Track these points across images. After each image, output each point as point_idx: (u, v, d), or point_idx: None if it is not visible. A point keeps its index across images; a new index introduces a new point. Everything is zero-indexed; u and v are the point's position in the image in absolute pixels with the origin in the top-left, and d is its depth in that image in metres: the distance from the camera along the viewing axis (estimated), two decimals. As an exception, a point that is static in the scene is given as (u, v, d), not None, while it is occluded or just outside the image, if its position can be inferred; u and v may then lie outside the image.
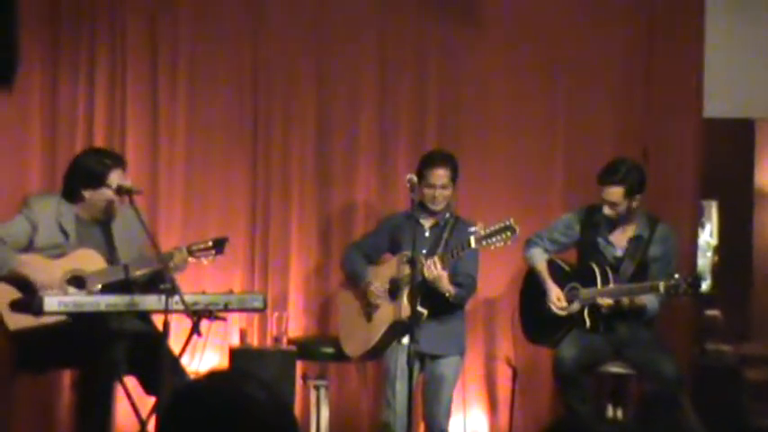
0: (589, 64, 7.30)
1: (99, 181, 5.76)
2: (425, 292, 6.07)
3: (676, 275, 6.00)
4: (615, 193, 6.18)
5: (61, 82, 7.08)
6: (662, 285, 5.98)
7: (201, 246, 5.89)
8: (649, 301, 6.19)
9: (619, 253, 6.32)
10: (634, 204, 6.23)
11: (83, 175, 5.81)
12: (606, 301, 6.11)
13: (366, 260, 6.46)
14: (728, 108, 7.49)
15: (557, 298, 6.32)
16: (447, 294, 6.10)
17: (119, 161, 5.89)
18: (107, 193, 5.75)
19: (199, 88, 7.22)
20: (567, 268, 6.46)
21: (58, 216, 5.77)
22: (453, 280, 6.14)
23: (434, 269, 5.98)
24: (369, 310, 6.34)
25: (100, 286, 5.67)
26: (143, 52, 7.16)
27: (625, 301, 6.16)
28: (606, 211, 6.22)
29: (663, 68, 7.26)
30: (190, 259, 5.85)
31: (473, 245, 5.92)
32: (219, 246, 5.92)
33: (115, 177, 5.77)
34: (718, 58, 7.22)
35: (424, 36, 7.30)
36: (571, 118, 7.30)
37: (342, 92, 7.29)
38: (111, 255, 5.82)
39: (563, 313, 6.31)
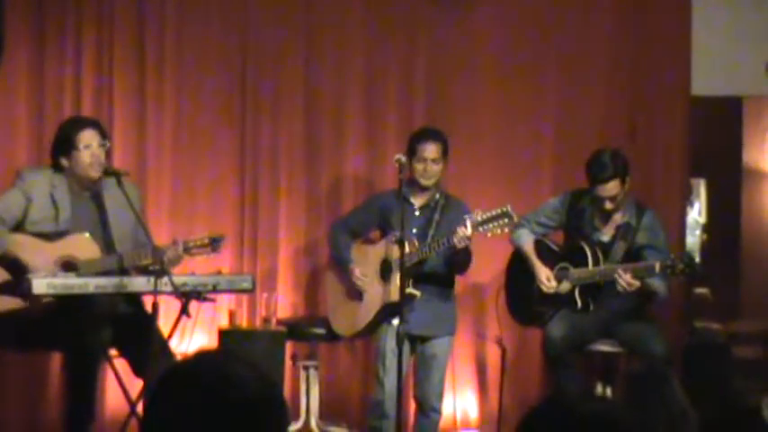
0: (577, 44, 7.29)
1: (70, 143, 5.74)
2: (417, 273, 6.08)
3: (672, 255, 6.01)
4: (613, 187, 6.15)
5: (47, 63, 7.07)
6: (658, 265, 5.96)
7: (198, 242, 5.84)
8: (659, 286, 6.17)
9: (605, 238, 6.31)
10: (626, 187, 6.22)
11: (57, 141, 5.82)
12: (633, 283, 6.02)
13: (352, 237, 6.46)
14: (716, 86, 7.48)
15: (546, 278, 6.32)
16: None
17: (89, 122, 5.88)
18: (79, 156, 5.72)
19: (186, 68, 7.21)
20: (555, 248, 6.46)
21: (51, 188, 5.75)
22: (452, 257, 6.16)
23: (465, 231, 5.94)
24: (358, 291, 6.35)
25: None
26: (130, 34, 7.14)
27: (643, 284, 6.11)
28: (607, 206, 6.19)
29: (650, 47, 7.26)
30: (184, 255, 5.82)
31: (469, 231, 5.89)
32: (216, 243, 5.87)
33: (86, 137, 5.73)
34: (706, 35, 7.22)
35: (412, 15, 7.29)
36: (560, 98, 7.29)
37: (330, 71, 7.28)
38: (104, 232, 5.79)
39: (551, 292, 6.31)
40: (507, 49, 7.31)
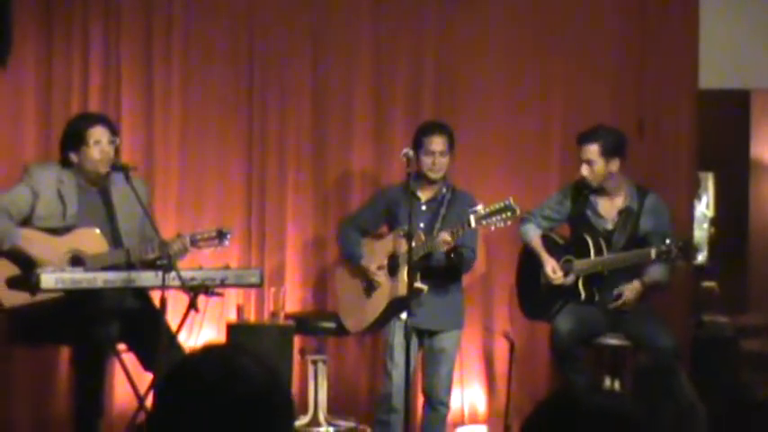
0: (585, 37, 7.28)
1: (79, 139, 5.76)
2: (424, 267, 6.08)
3: (667, 241, 6.01)
4: (591, 150, 6.19)
5: (55, 58, 7.07)
6: (653, 252, 6.00)
7: (205, 235, 5.85)
8: (661, 274, 6.19)
9: (609, 226, 6.32)
10: (612, 167, 6.21)
11: (66, 137, 5.83)
12: (632, 301, 6.16)
13: (362, 234, 6.46)
14: (724, 79, 7.47)
15: (551, 270, 6.33)
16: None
17: (99, 118, 5.90)
18: (88, 152, 5.74)
19: (194, 63, 7.20)
20: (560, 241, 6.47)
21: (58, 184, 5.76)
22: (448, 258, 6.16)
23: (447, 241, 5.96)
24: (368, 287, 6.35)
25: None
26: (137, 29, 7.14)
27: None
28: (584, 171, 6.22)
29: (658, 40, 7.25)
30: (191, 248, 5.82)
31: (473, 224, 5.89)
32: (223, 236, 5.88)
33: (96, 133, 5.75)
34: (714, 28, 7.20)
35: (420, 9, 7.28)
36: (567, 92, 7.28)
37: (338, 64, 7.27)
38: (112, 227, 5.80)
39: (558, 282, 6.31)
40: (515, 44, 7.30)
